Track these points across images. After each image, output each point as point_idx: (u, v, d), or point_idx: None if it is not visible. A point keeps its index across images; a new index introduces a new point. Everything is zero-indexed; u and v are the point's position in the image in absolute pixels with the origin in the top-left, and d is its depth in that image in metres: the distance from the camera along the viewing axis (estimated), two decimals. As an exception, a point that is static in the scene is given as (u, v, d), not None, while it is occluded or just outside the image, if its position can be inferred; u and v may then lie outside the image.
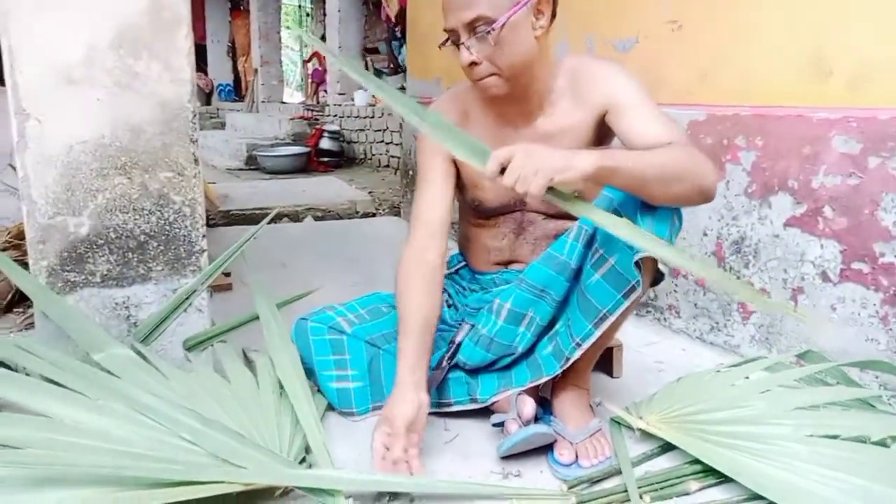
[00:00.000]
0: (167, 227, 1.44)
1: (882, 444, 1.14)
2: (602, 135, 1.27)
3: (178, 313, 1.45)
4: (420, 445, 1.18)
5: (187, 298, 1.46)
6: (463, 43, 1.16)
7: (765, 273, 1.68)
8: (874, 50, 1.45)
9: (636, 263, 1.11)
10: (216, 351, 1.42)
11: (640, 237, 1.01)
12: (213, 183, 4.60)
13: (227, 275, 2.21)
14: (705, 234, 1.82)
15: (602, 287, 1.17)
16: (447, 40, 1.20)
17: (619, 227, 1.00)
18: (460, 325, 1.42)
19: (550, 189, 0.98)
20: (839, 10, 1.51)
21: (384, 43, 7.89)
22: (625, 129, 1.19)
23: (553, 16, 1.21)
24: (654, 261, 1.11)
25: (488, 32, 1.13)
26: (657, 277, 1.19)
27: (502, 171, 0.98)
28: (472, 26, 1.14)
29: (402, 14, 5.87)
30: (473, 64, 1.17)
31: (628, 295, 1.15)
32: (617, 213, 1.10)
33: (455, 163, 1.34)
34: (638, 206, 1.11)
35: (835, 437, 1.15)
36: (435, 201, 1.31)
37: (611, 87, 1.22)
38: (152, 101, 1.39)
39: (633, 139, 1.17)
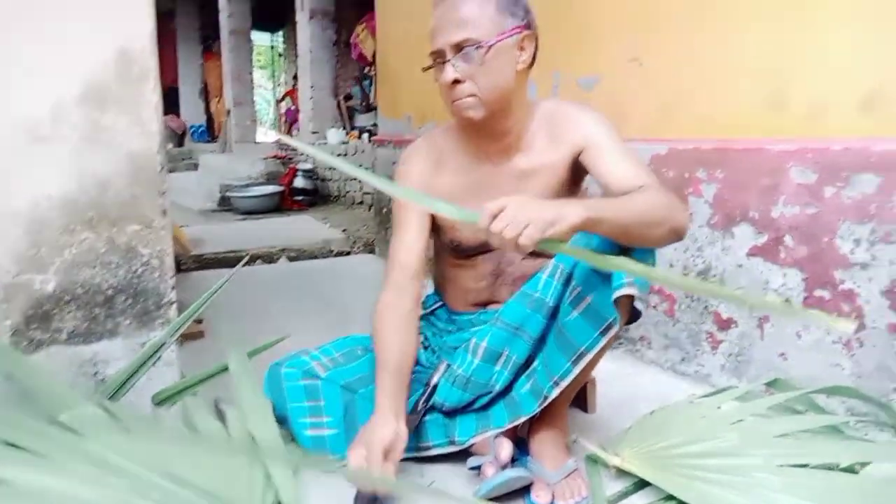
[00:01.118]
0: (135, 281, 1.42)
1: (850, 470, 1.15)
2: (575, 173, 1.32)
3: (147, 368, 1.43)
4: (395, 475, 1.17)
5: (156, 352, 1.43)
6: (448, 60, 1.20)
7: (731, 302, 1.71)
8: (827, 83, 1.50)
9: (615, 301, 1.13)
10: (186, 405, 1.40)
11: (632, 266, 1.01)
12: (185, 226, 4.56)
13: (200, 321, 2.19)
14: (671, 266, 1.85)
15: (580, 324, 1.19)
16: (432, 64, 1.24)
17: (609, 262, 1.01)
18: (437, 366, 1.42)
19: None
20: (794, 45, 1.57)
21: (355, 81, 7.97)
22: (598, 167, 1.25)
23: (533, 59, 1.27)
24: (631, 298, 1.13)
25: (477, 48, 1.18)
26: (633, 315, 1.21)
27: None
28: (459, 47, 1.19)
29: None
30: (456, 82, 1.21)
31: (605, 332, 1.18)
32: None
33: None
34: (614, 248, 1.13)
35: (805, 465, 1.16)
36: (410, 245, 1.33)
37: (585, 129, 1.28)
38: (120, 153, 1.38)
39: (604, 176, 1.23)
